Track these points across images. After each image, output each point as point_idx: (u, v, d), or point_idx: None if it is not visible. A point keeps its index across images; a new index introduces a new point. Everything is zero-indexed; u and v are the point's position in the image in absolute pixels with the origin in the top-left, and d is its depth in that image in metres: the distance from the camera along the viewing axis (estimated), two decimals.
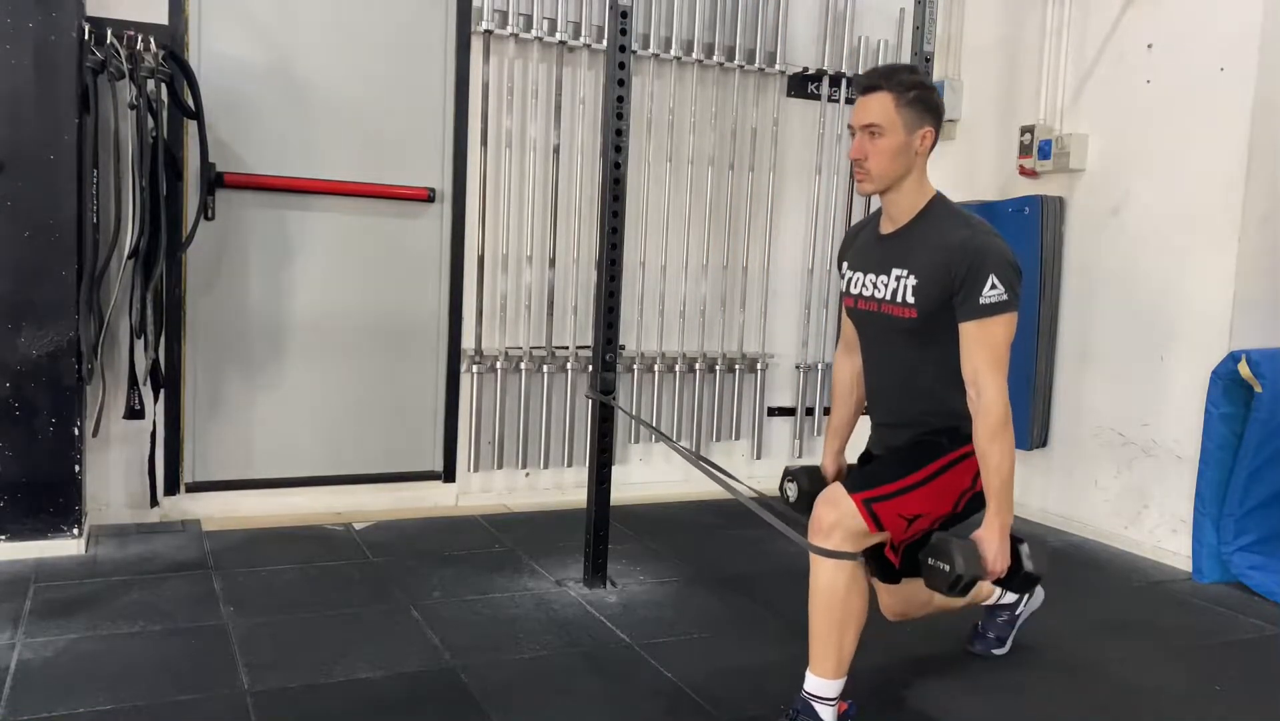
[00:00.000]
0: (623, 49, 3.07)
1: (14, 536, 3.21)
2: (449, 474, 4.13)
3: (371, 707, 2.38)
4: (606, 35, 3.17)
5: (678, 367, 4.46)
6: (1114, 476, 3.99)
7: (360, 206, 3.89)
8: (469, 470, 4.16)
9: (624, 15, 3.06)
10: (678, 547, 3.69)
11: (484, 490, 4.20)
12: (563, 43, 4.07)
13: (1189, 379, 3.66)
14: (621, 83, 3.07)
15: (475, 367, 4.10)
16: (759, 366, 4.62)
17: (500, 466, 4.19)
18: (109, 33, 3.24)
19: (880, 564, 2.37)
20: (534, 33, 4.02)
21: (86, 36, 3.20)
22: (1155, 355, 3.82)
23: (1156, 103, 3.83)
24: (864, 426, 2.59)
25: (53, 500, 3.26)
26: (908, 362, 2.35)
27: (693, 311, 4.47)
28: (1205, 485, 3.55)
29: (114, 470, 3.61)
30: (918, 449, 2.32)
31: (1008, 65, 4.45)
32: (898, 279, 2.29)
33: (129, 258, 3.28)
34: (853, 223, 4.25)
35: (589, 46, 4.11)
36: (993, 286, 2.16)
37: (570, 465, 4.27)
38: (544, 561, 3.45)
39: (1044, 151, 4.17)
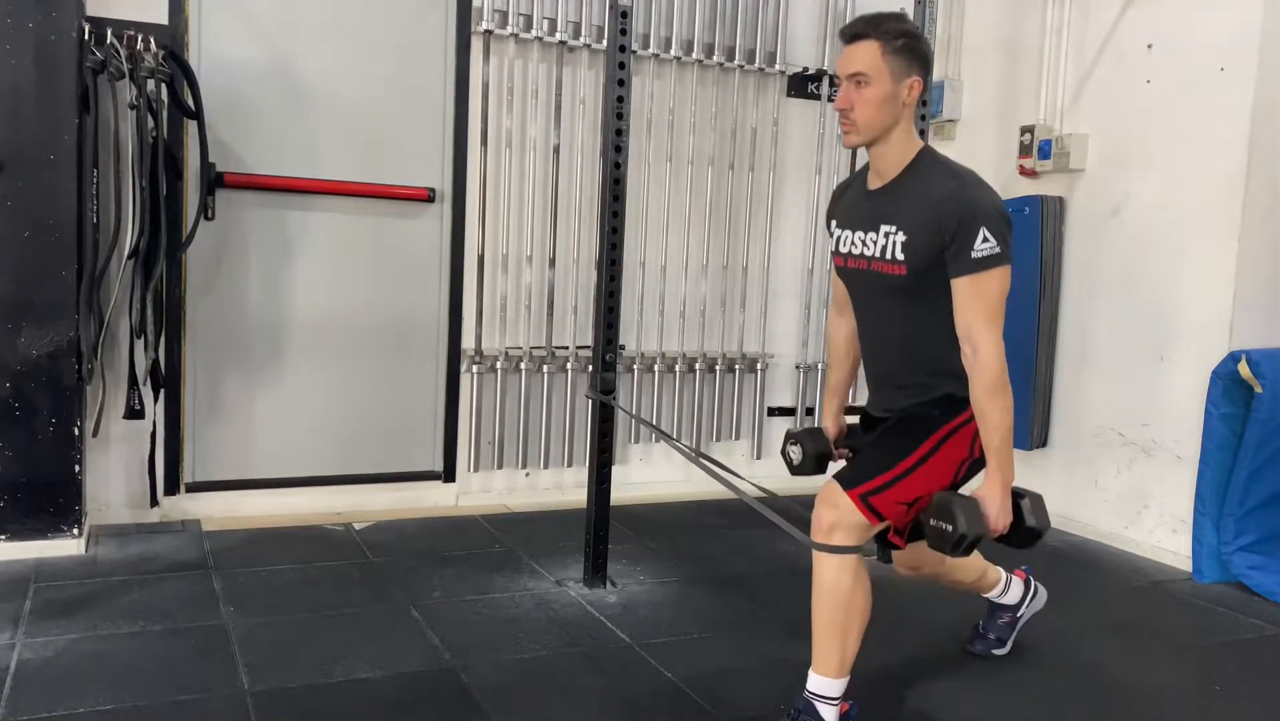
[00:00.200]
0: (623, 49, 3.07)
1: (14, 536, 3.21)
2: (449, 474, 4.13)
3: (371, 707, 2.38)
4: (606, 35, 3.17)
5: (678, 367, 4.46)
6: (1114, 476, 3.99)
7: (360, 206, 3.89)
8: (469, 470, 4.16)
9: (624, 15, 3.06)
10: (678, 547, 3.69)
11: (484, 490, 4.20)
12: (563, 43, 4.07)
13: (1189, 379, 3.66)
14: (621, 83, 3.07)
15: (475, 368, 4.10)
16: (759, 366, 4.62)
17: (500, 466, 4.19)
18: (109, 33, 3.24)
19: (888, 546, 2.36)
20: (534, 33, 4.02)
21: (86, 36, 3.20)
22: (1155, 355, 3.82)
23: (1156, 103, 3.83)
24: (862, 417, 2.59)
25: (53, 500, 3.26)
26: (901, 321, 2.30)
27: (693, 311, 4.47)
28: (1205, 485, 3.55)
29: (114, 470, 3.61)
30: (908, 427, 2.28)
31: (1008, 65, 4.45)
32: (886, 235, 2.23)
33: (129, 258, 3.28)
34: None
35: (589, 46, 4.11)
36: (984, 240, 2.10)
37: (570, 465, 4.27)
38: (544, 561, 3.45)
39: (1044, 151, 4.17)
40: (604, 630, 2.90)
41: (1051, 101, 4.20)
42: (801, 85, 4.56)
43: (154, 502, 3.59)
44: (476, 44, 3.97)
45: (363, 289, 3.92)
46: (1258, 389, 3.42)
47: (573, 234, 4.20)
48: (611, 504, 3.25)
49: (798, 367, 4.71)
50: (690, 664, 2.68)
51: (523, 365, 4.17)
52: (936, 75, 4.33)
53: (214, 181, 3.60)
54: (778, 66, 4.48)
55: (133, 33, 3.28)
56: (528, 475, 4.26)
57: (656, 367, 4.43)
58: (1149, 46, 3.86)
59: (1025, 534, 2.21)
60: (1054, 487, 4.24)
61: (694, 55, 4.31)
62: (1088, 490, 4.09)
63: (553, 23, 4.06)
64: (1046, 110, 4.21)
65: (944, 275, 2.17)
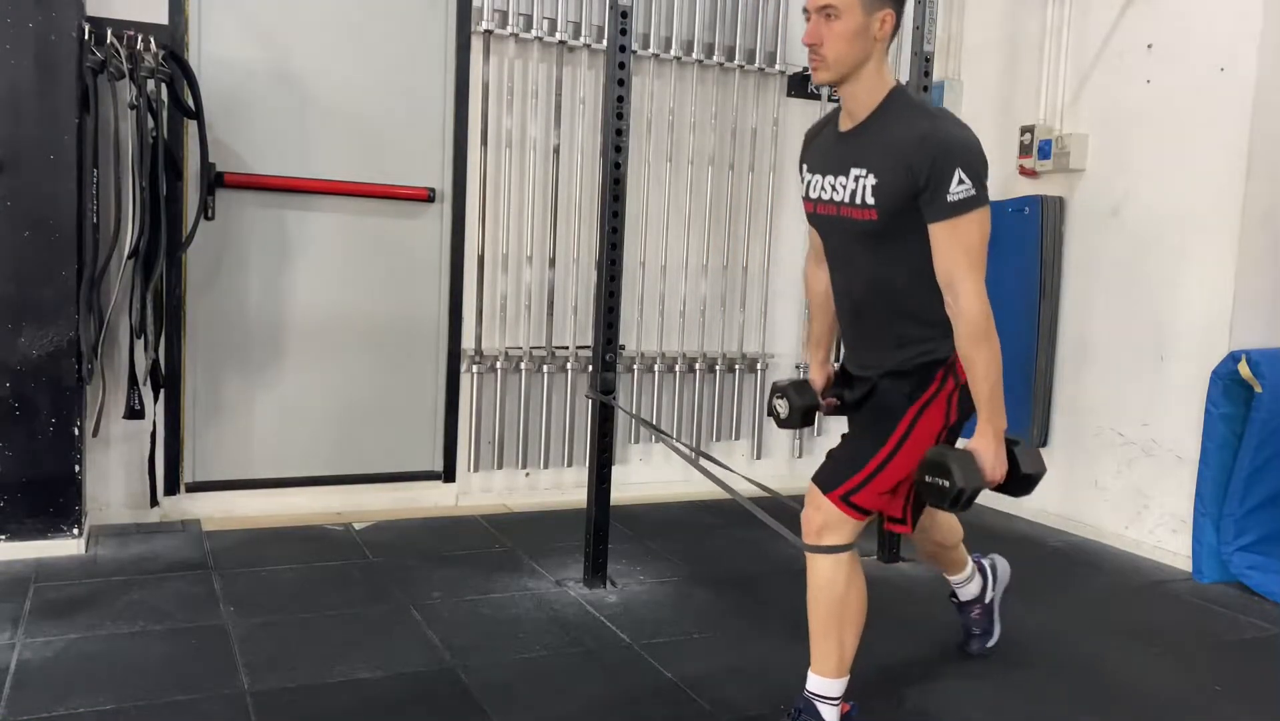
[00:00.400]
0: (623, 49, 3.07)
1: (14, 536, 3.21)
2: (449, 474, 4.13)
3: (371, 707, 2.38)
4: (606, 35, 3.17)
5: (678, 367, 4.46)
6: (1114, 476, 3.99)
7: (360, 206, 3.89)
8: (469, 470, 4.16)
9: (624, 15, 3.06)
10: (678, 547, 3.69)
11: (484, 490, 4.20)
12: (563, 43, 4.07)
13: (1189, 379, 3.66)
14: (621, 83, 3.07)
15: (475, 368, 4.10)
16: (759, 366, 4.62)
17: (500, 466, 4.19)
18: (109, 33, 3.24)
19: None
20: (534, 33, 4.02)
21: (86, 36, 3.20)
22: (1155, 355, 3.82)
23: (1156, 103, 3.83)
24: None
25: (53, 500, 3.26)
26: (873, 271, 2.20)
27: (693, 311, 4.47)
28: (1205, 485, 3.55)
29: (114, 470, 3.61)
30: (880, 412, 2.22)
31: (1008, 65, 4.46)
32: (856, 179, 2.13)
33: (129, 258, 3.28)
34: None
35: (589, 46, 4.11)
36: (960, 181, 2.02)
37: (570, 465, 4.27)
38: (544, 561, 3.45)
39: (1044, 151, 4.17)
40: (604, 630, 2.90)
41: (1051, 101, 4.20)
42: (801, 85, 4.56)
43: (154, 502, 3.59)
44: (476, 44, 3.97)
45: (363, 289, 3.92)
46: (1258, 389, 3.42)
47: (573, 234, 4.20)
48: (611, 504, 3.25)
49: (798, 367, 4.71)
50: (690, 664, 2.68)
51: (523, 365, 4.17)
52: (936, 75, 4.32)
53: (214, 181, 3.60)
54: (778, 66, 4.48)
55: (133, 33, 3.28)
56: (528, 475, 4.26)
57: (656, 367, 4.43)
58: (1149, 46, 3.86)
59: (1021, 481, 2.15)
60: (1054, 487, 4.24)
61: (694, 55, 4.31)
62: (1088, 490, 4.09)
63: (553, 23, 4.06)
64: (1046, 110, 4.21)
65: (918, 221, 2.08)
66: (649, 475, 4.44)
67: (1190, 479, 3.63)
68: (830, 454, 2.27)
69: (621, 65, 3.07)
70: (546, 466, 4.27)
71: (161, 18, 3.51)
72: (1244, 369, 3.44)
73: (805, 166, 2.34)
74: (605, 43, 3.31)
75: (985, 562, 2.81)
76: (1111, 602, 3.38)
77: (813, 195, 2.28)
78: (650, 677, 2.61)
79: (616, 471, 3.36)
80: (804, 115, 4.58)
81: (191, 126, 3.51)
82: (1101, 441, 4.03)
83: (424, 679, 2.53)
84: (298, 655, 2.62)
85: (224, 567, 3.24)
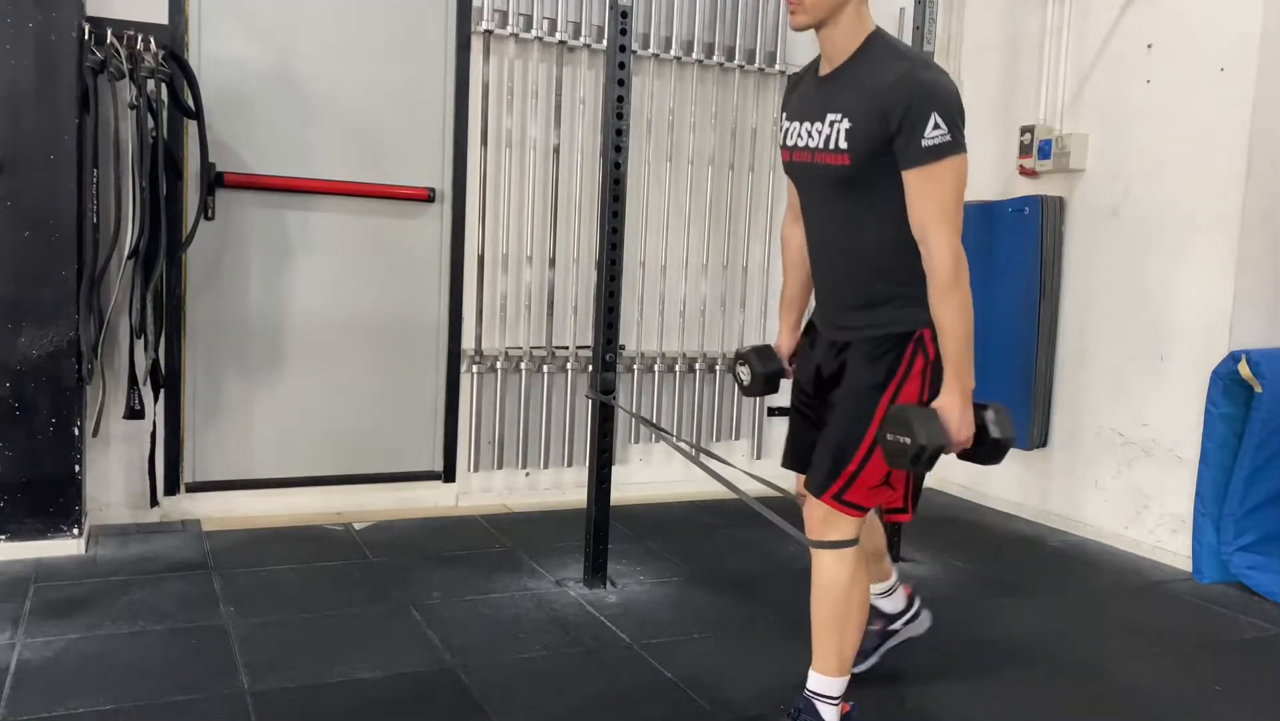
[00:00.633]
0: (623, 49, 3.07)
1: (14, 536, 3.21)
2: (449, 474, 4.13)
3: (371, 707, 2.38)
4: (606, 35, 3.17)
5: (678, 367, 4.46)
6: (1114, 476, 3.99)
7: (360, 206, 3.89)
8: (469, 470, 4.16)
9: (624, 15, 3.06)
10: (678, 547, 3.69)
11: (484, 490, 4.20)
12: (563, 43, 4.07)
13: (1189, 379, 3.66)
14: (621, 83, 3.07)
15: (475, 368, 4.10)
16: None
17: (500, 466, 4.19)
18: (109, 33, 3.23)
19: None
20: (534, 33, 4.02)
21: (86, 36, 3.20)
22: (1155, 355, 3.82)
23: (1156, 103, 3.83)
24: None
25: (53, 500, 3.26)
26: (846, 222, 2.13)
27: (693, 311, 4.47)
28: (1205, 485, 3.55)
29: (114, 470, 3.60)
30: (853, 402, 2.13)
31: (1008, 65, 4.46)
32: (832, 124, 2.06)
33: (129, 258, 3.28)
34: None
35: (589, 46, 4.11)
36: (935, 126, 1.94)
37: (570, 465, 4.27)
38: (544, 561, 3.45)
39: (1044, 151, 4.17)
40: (604, 630, 2.90)
41: (1051, 101, 4.20)
42: None
43: (154, 502, 3.59)
44: (476, 44, 3.97)
45: (363, 289, 3.92)
46: (1258, 389, 3.42)
47: (573, 234, 4.20)
48: (611, 504, 3.25)
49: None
50: (690, 664, 2.68)
51: (523, 365, 4.17)
52: None
53: (214, 181, 3.60)
54: (778, 66, 4.48)
55: (133, 33, 3.28)
56: (528, 475, 4.26)
57: (656, 367, 4.43)
58: (1149, 46, 3.86)
59: (991, 447, 2.05)
60: (1054, 487, 4.25)
61: (694, 55, 4.31)
62: (1088, 490, 4.09)
63: (553, 23, 4.06)
64: (1046, 110, 4.21)
65: (892, 170, 2.01)
66: (649, 475, 4.44)
67: (1190, 479, 3.63)
68: (815, 451, 2.21)
69: (621, 65, 3.07)
70: (546, 466, 4.27)
71: (161, 18, 3.51)
72: (1244, 369, 3.44)
73: (785, 115, 2.27)
74: (605, 43, 3.31)
75: (918, 600, 2.67)
76: (1111, 602, 3.38)
77: (789, 143, 2.21)
78: (650, 677, 2.61)
79: (616, 471, 3.36)
80: None
81: (191, 126, 3.51)
82: (1101, 441, 4.03)
83: (424, 679, 2.53)
84: (298, 655, 2.62)
85: (224, 567, 3.24)
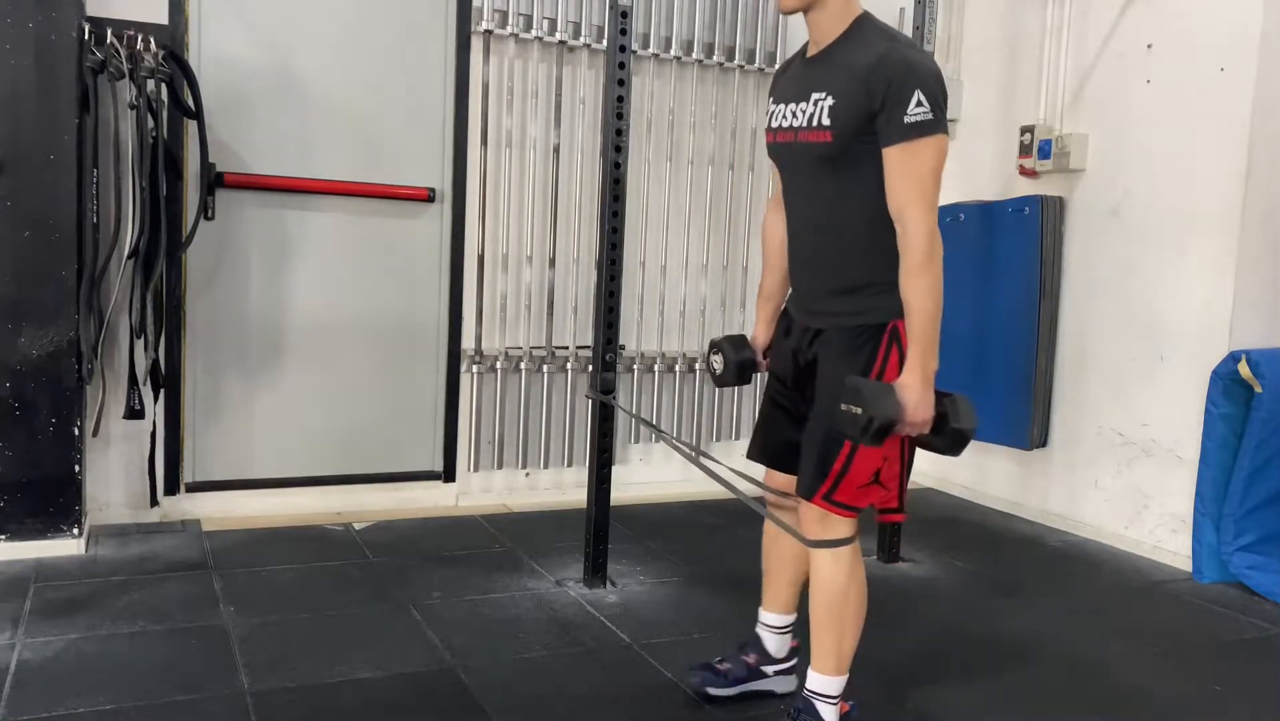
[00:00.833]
0: (623, 49, 3.07)
1: (14, 536, 3.21)
2: (449, 474, 4.13)
3: (371, 707, 2.38)
4: (606, 35, 3.17)
5: (678, 367, 4.46)
6: (1114, 476, 3.99)
7: (360, 206, 3.89)
8: (469, 470, 4.16)
9: (624, 15, 3.06)
10: (678, 547, 3.69)
11: (484, 490, 4.20)
12: (563, 43, 4.07)
13: (1189, 379, 3.66)
14: (621, 83, 3.07)
15: (475, 367, 4.10)
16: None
17: (500, 466, 4.19)
18: (109, 33, 3.23)
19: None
20: (534, 33, 4.02)
21: (86, 36, 3.20)
22: (1155, 355, 3.82)
23: (1156, 103, 3.83)
24: None
25: (53, 500, 3.26)
26: (826, 203, 2.14)
27: (693, 311, 4.47)
28: (1205, 485, 3.55)
29: (114, 470, 3.60)
30: (829, 406, 2.08)
31: (1008, 65, 4.46)
32: (816, 103, 2.08)
33: (129, 258, 3.28)
34: None
35: (589, 46, 4.11)
36: (918, 104, 1.95)
37: (570, 465, 4.27)
38: (544, 561, 3.45)
39: (1044, 151, 4.17)
40: (604, 630, 2.90)
41: (1051, 101, 4.20)
42: None
43: (154, 502, 3.59)
44: (476, 44, 3.97)
45: (363, 289, 3.92)
46: (1258, 389, 3.42)
47: (573, 234, 4.20)
48: (611, 504, 3.25)
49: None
50: (690, 664, 2.68)
51: (523, 365, 4.17)
52: None
53: (214, 181, 3.60)
54: (778, 66, 4.45)
55: (133, 33, 3.28)
56: (528, 475, 4.26)
57: (656, 367, 4.43)
58: (1149, 46, 3.86)
59: (950, 436, 2.04)
60: (1054, 487, 4.25)
61: (694, 55, 4.31)
62: (1088, 490, 4.10)
63: (553, 23, 4.06)
64: (1046, 110, 4.21)
65: (874, 151, 2.02)
66: (649, 475, 4.44)
67: (1190, 479, 3.63)
68: (801, 452, 2.20)
69: (621, 65, 3.07)
70: (546, 466, 4.27)
71: (161, 18, 3.51)
72: (1244, 369, 3.44)
73: (771, 99, 2.29)
74: (605, 43, 3.32)
75: (797, 658, 2.49)
76: (1111, 602, 3.38)
77: (774, 124, 2.22)
78: (650, 677, 2.60)
79: (616, 471, 3.36)
80: None
81: (191, 126, 3.51)
82: (1101, 441, 4.03)
83: (424, 679, 2.53)
84: (298, 655, 2.62)
85: (224, 567, 3.24)
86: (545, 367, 4.20)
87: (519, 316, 4.17)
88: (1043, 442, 4.26)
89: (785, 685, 2.49)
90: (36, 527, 3.24)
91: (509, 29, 3.98)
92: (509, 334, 4.15)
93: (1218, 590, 3.49)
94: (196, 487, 3.76)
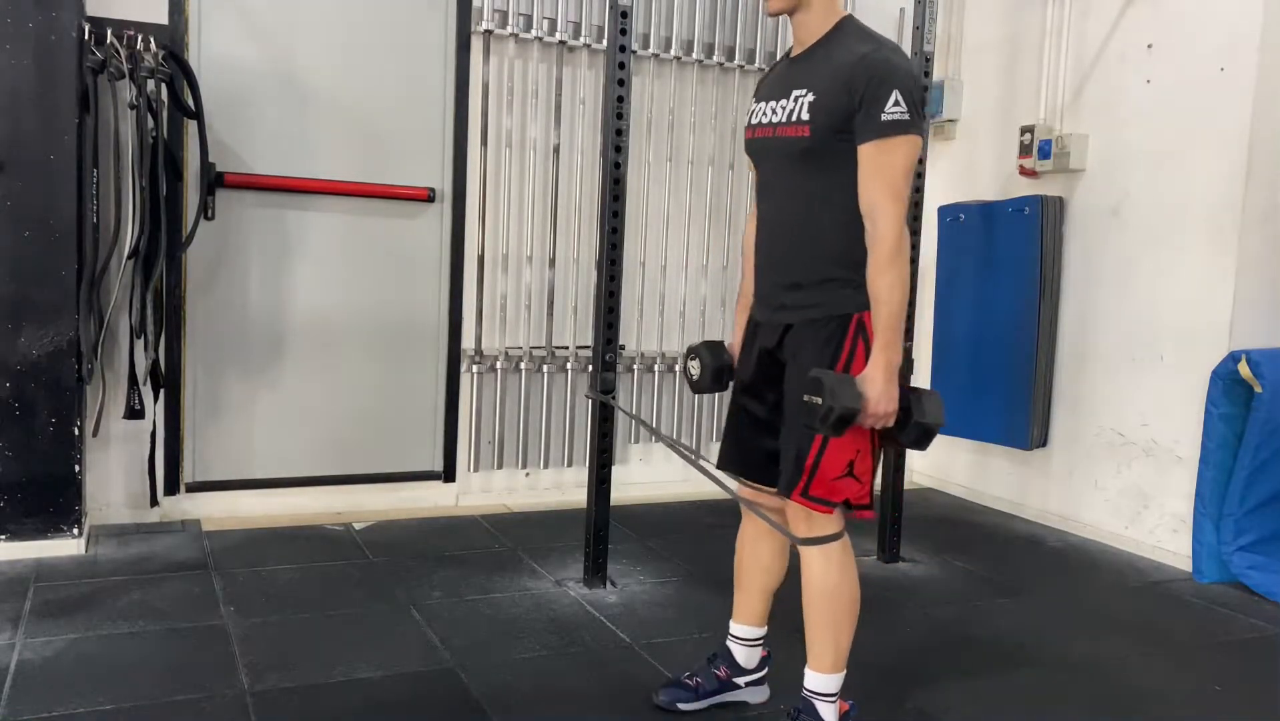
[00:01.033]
0: (623, 49, 3.07)
1: (14, 536, 3.21)
2: (449, 474, 4.13)
3: (371, 707, 2.38)
4: (606, 35, 3.17)
5: (678, 368, 4.46)
6: (1114, 476, 3.99)
7: (360, 206, 3.89)
8: (469, 470, 4.16)
9: (624, 15, 3.06)
10: (678, 547, 3.69)
11: (484, 490, 4.20)
12: (563, 43, 4.07)
13: (1189, 379, 3.66)
14: (621, 83, 3.07)
15: (475, 367, 4.10)
16: None
17: (500, 466, 4.19)
18: (109, 33, 3.24)
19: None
20: (534, 33, 4.02)
21: (86, 36, 3.20)
22: (1155, 355, 3.82)
23: (1156, 103, 3.83)
24: None
25: (53, 500, 3.26)
26: (799, 197, 2.16)
27: (693, 311, 4.47)
28: (1205, 485, 3.55)
29: (114, 470, 3.61)
30: (799, 401, 2.07)
31: (1008, 65, 4.46)
32: (796, 99, 2.12)
33: (129, 258, 3.28)
34: None
35: (589, 46, 4.11)
36: (895, 103, 2.00)
37: (570, 465, 4.27)
38: (544, 561, 3.45)
39: (1044, 151, 4.17)
40: (604, 630, 2.90)
41: (1051, 101, 4.20)
42: None
43: (154, 502, 3.59)
44: (476, 44, 3.97)
45: (363, 289, 3.92)
46: (1258, 389, 3.42)
47: (573, 234, 4.20)
48: (611, 504, 3.25)
49: None
50: (690, 664, 2.67)
51: (523, 365, 4.17)
52: (936, 75, 4.32)
53: (214, 181, 3.60)
54: None
55: (133, 33, 3.28)
56: (528, 475, 4.26)
57: (656, 367, 4.43)
58: (1149, 46, 3.86)
59: (915, 430, 2.06)
60: (1054, 487, 4.25)
61: (694, 55, 4.31)
62: (1088, 490, 4.09)
63: (553, 23, 4.07)
64: (1046, 110, 4.21)
65: (849, 151, 2.05)
66: (649, 475, 4.44)
67: (1190, 479, 3.63)
68: (781, 453, 2.20)
69: (621, 65, 3.07)
70: (546, 466, 4.27)
71: (161, 18, 3.51)
72: (1244, 369, 3.44)
73: (754, 99, 2.33)
74: (605, 43, 3.32)
75: (768, 668, 2.49)
76: (1111, 602, 3.38)
77: (754, 121, 2.26)
78: (650, 678, 2.60)
79: (616, 471, 3.36)
80: None
81: (191, 126, 3.51)
82: (1101, 441, 4.03)
83: (424, 679, 2.53)
84: (298, 655, 2.62)
85: (224, 567, 3.24)
86: (545, 368, 4.20)
87: (519, 316, 4.17)
88: (1043, 442, 4.26)
89: (758, 695, 2.48)
90: (36, 527, 3.24)
91: (509, 29, 3.98)
92: (509, 334, 4.15)
93: (1218, 590, 3.49)
94: (196, 487, 3.76)
